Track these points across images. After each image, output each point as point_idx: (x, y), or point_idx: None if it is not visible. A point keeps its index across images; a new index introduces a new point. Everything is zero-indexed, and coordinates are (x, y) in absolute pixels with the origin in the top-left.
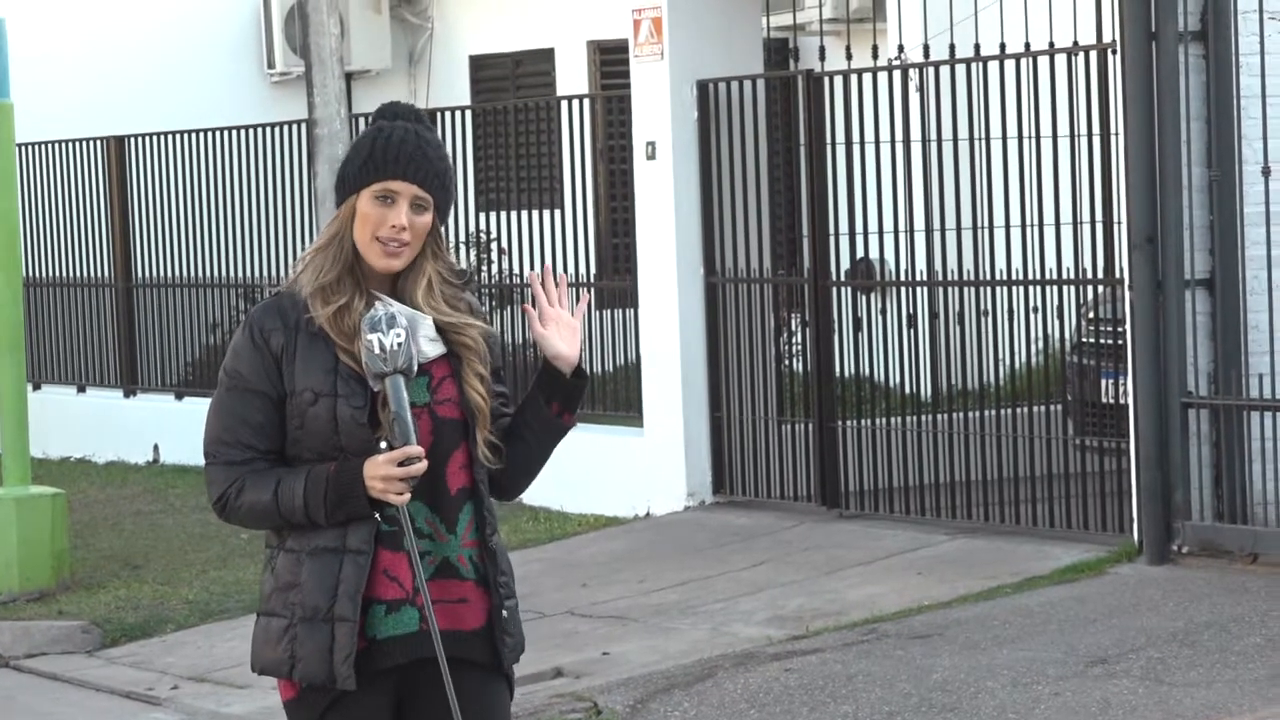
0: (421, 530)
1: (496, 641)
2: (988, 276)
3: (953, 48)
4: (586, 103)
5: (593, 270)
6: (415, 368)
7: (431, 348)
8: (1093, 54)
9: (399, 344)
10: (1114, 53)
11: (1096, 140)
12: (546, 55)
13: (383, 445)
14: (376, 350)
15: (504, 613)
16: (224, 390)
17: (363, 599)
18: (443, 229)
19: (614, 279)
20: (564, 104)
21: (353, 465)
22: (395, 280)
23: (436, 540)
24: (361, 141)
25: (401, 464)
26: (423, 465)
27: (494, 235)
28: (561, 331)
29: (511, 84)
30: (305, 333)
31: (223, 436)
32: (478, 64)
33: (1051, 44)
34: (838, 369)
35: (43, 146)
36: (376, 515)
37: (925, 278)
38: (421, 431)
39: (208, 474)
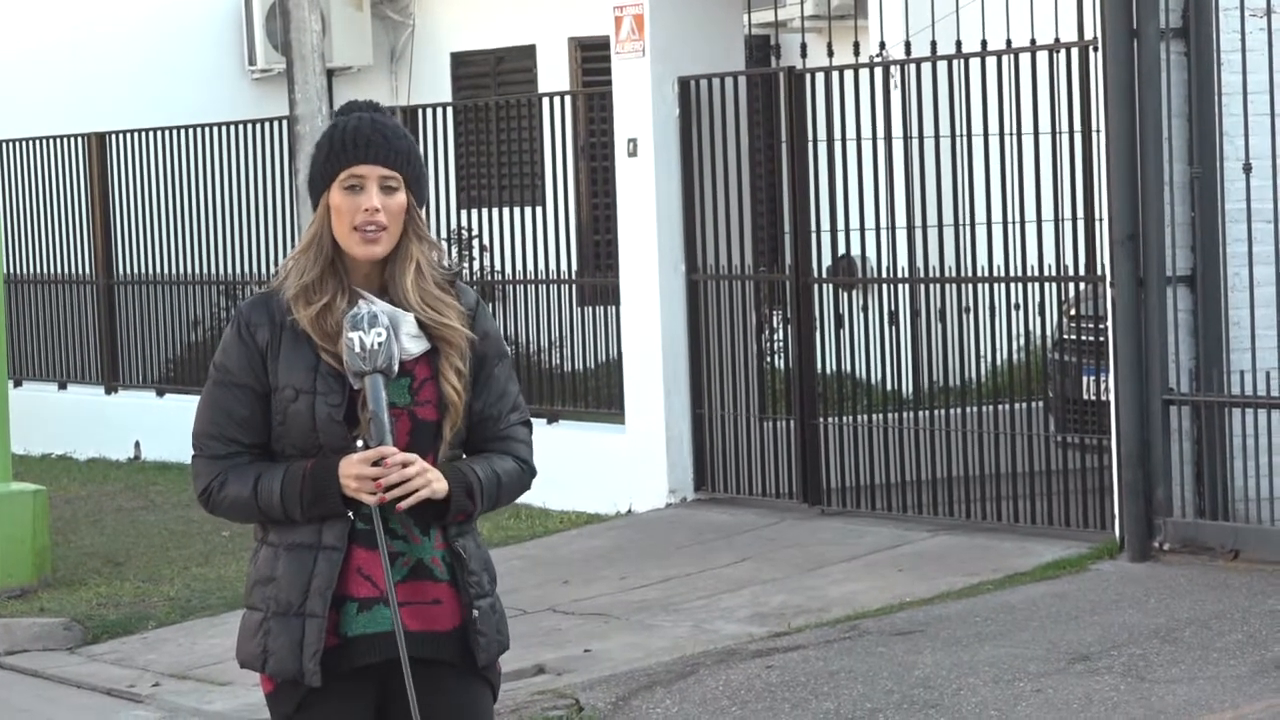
0: (395, 531)
1: (470, 642)
2: (969, 273)
3: (934, 44)
4: (568, 99)
5: (574, 267)
6: (396, 368)
7: (414, 344)
8: (1074, 51)
9: (379, 343)
10: (1095, 49)
11: (1078, 137)
12: (528, 52)
13: (359, 444)
14: (357, 349)
15: (474, 613)
16: (212, 384)
17: (336, 596)
18: (421, 211)
19: (595, 276)
20: (545, 101)
21: (328, 463)
22: (383, 269)
23: (410, 542)
24: (322, 139)
25: (376, 464)
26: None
27: (476, 232)
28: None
29: (493, 81)
30: (290, 330)
31: (209, 430)
32: (459, 61)
33: (1033, 41)
34: (819, 366)
35: (23, 143)
36: (350, 513)
37: (907, 274)
38: (399, 432)
39: (193, 466)
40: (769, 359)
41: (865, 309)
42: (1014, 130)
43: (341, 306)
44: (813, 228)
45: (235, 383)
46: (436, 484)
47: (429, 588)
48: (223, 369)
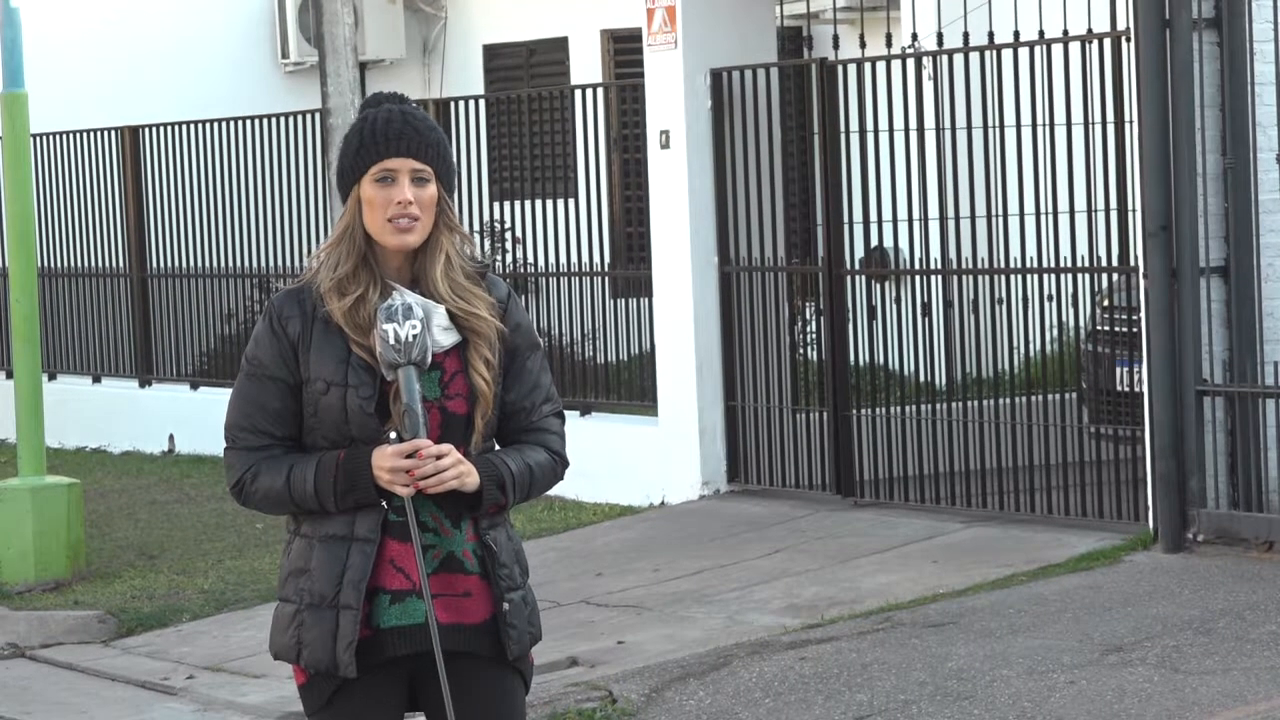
0: (426, 524)
1: (501, 634)
2: (1002, 264)
3: (966, 35)
4: (600, 92)
5: (607, 259)
6: (429, 360)
7: (445, 336)
8: (1107, 41)
9: (414, 335)
10: (1128, 40)
11: (1110, 128)
12: (560, 44)
13: (392, 436)
14: (391, 341)
15: (505, 605)
16: (244, 377)
17: (369, 588)
18: (451, 202)
19: (628, 268)
20: (578, 93)
21: (361, 453)
22: (414, 261)
23: (441, 534)
24: (351, 132)
25: (410, 456)
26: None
27: (508, 225)
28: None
29: (525, 73)
30: (321, 322)
31: (241, 422)
32: (491, 53)
33: (1065, 31)
34: (852, 358)
35: (57, 137)
36: (384, 504)
37: (940, 266)
38: (430, 425)
39: (226, 458)
40: (802, 351)
41: (898, 300)
42: (1046, 121)
43: (374, 299)
44: (845, 219)
45: (267, 375)
46: (468, 477)
47: (459, 580)
48: (255, 361)
